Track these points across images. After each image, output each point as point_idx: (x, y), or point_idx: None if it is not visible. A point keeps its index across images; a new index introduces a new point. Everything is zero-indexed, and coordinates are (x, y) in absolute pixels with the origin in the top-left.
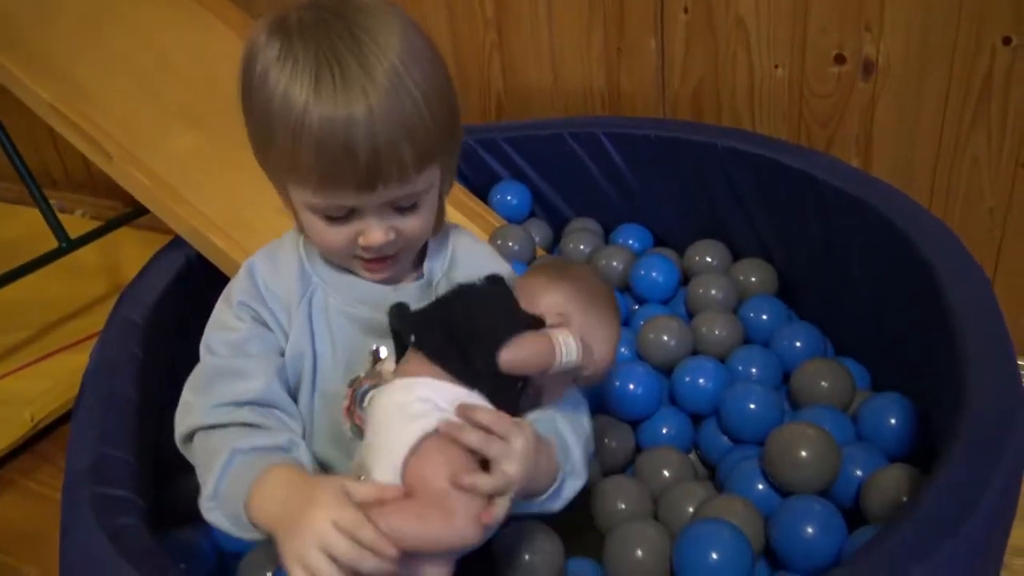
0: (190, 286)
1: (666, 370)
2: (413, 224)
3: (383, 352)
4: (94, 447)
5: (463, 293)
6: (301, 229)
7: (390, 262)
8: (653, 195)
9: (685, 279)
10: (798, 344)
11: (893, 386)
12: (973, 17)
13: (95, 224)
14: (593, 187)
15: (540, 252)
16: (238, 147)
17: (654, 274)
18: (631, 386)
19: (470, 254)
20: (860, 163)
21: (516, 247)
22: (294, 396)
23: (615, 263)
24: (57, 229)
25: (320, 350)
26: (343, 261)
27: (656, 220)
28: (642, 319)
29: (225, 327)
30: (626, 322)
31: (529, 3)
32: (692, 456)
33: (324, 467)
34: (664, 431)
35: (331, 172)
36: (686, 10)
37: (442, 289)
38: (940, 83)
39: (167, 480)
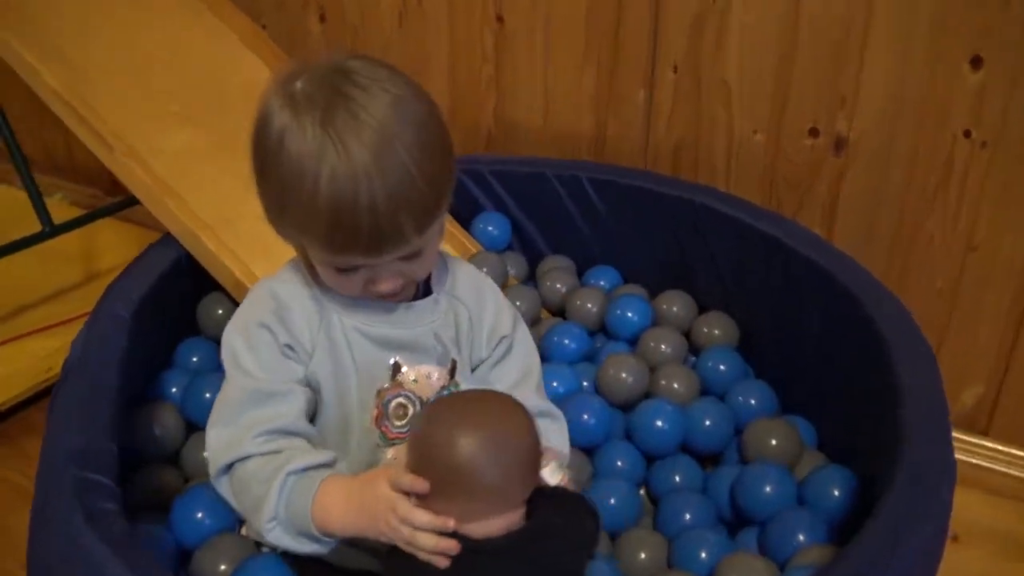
0: (177, 285)
1: (622, 406)
2: (419, 267)
3: (402, 363)
4: (78, 434)
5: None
6: (305, 258)
7: (401, 295)
8: (628, 241)
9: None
10: (752, 401)
11: (837, 445)
12: (938, 109)
13: (73, 209)
14: (571, 226)
15: (513, 281)
16: (231, 148)
17: (629, 314)
18: (585, 416)
19: (467, 275)
20: (824, 229)
21: (490, 275)
22: (317, 415)
23: (589, 305)
24: (42, 213)
25: (344, 368)
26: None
27: (628, 264)
28: (606, 354)
29: (251, 349)
30: (592, 358)
31: (527, 41)
32: (641, 492)
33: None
34: (619, 464)
35: (340, 242)
36: (675, 69)
37: (444, 303)
38: (904, 164)
39: (134, 471)
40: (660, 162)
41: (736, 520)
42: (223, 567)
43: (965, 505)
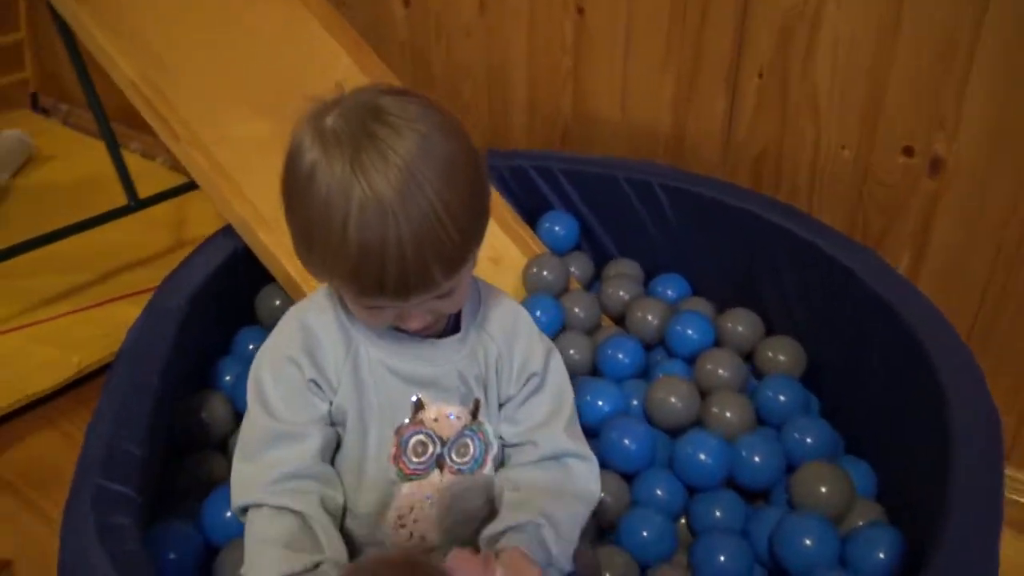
0: (237, 275)
1: (670, 431)
2: (448, 304)
3: (424, 400)
4: (108, 438)
5: None
6: (336, 289)
7: (432, 328)
8: (697, 250)
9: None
10: (808, 439)
11: (895, 497)
12: None
13: (173, 175)
14: (640, 230)
15: (575, 285)
16: None
17: (689, 332)
18: (626, 441)
19: (500, 308)
20: (912, 258)
21: (550, 277)
22: (340, 445)
23: (650, 317)
24: (128, 187)
25: (366, 402)
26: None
27: (697, 274)
28: (661, 372)
29: (276, 385)
30: (646, 373)
31: (609, 34)
32: (682, 521)
33: (365, 517)
34: (658, 493)
35: (366, 286)
36: (760, 75)
37: (472, 340)
38: (1007, 192)
39: (170, 465)
40: (740, 171)
41: (774, 567)
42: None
43: None
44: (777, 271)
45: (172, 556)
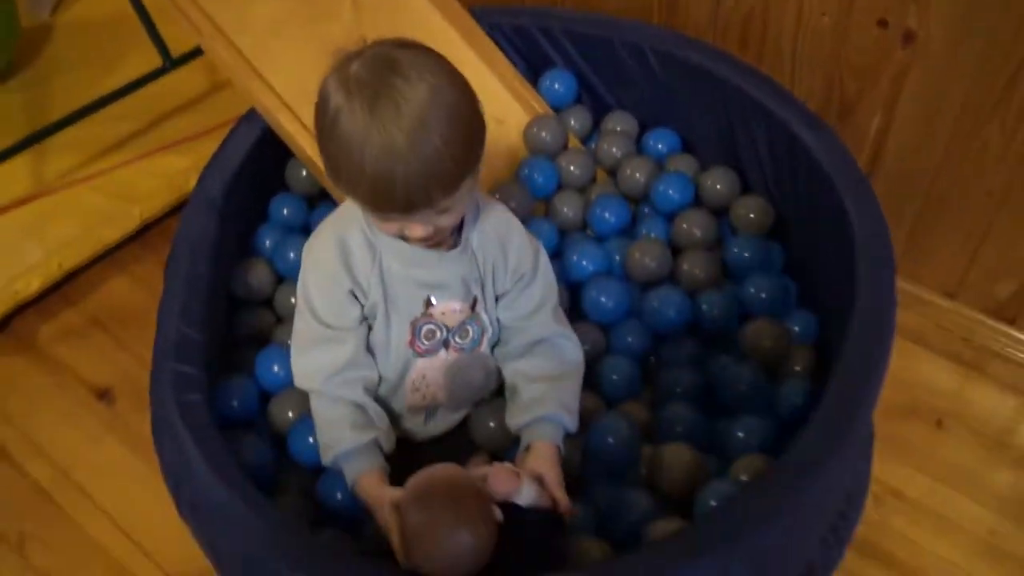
0: (263, 157)
1: (646, 286)
2: (448, 220)
3: (433, 299)
4: (176, 326)
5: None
6: None
7: (434, 239)
8: (686, 109)
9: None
10: (763, 295)
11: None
12: (1019, 7)
13: None
14: (635, 87)
15: (573, 142)
16: (315, 19)
17: (671, 191)
18: (603, 299)
19: (495, 220)
20: (882, 122)
21: (548, 138)
22: (371, 329)
23: (638, 175)
24: (160, 47)
25: (390, 301)
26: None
27: (687, 130)
28: (643, 231)
29: (320, 294)
30: (630, 229)
31: None
32: (652, 359)
33: (389, 382)
34: (629, 340)
35: (380, 205)
36: None
37: (471, 250)
38: (972, 65)
39: (238, 310)
40: (728, 34)
41: (718, 403)
42: (290, 414)
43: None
44: (753, 140)
45: (235, 404)
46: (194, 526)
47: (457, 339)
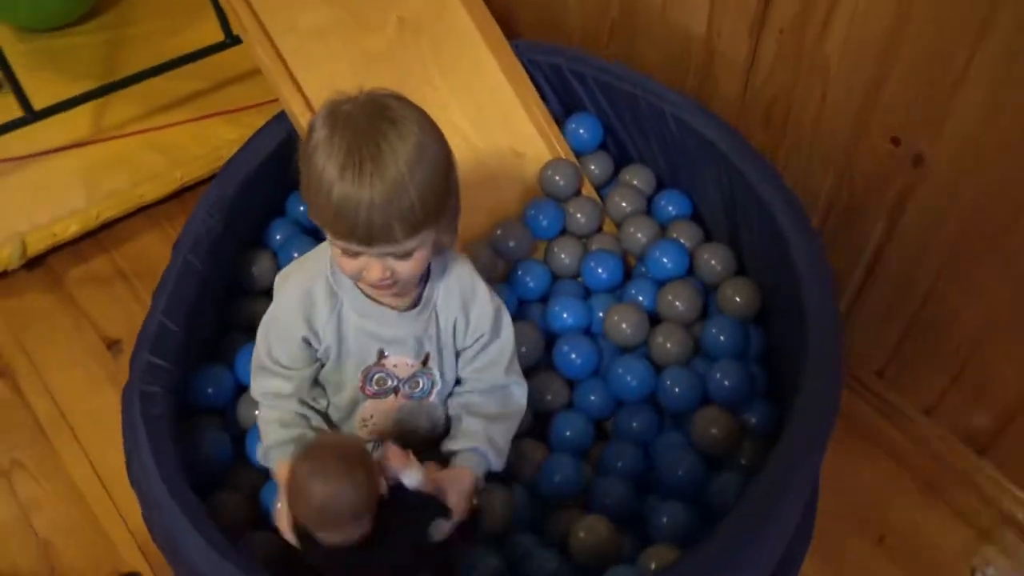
0: (287, 161)
1: (620, 349)
2: (405, 267)
3: (387, 351)
4: (157, 320)
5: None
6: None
7: (392, 288)
8: (698, 175)
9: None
10: (726, 383)
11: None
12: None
13: None
14: (654, 144)
15: (588, 188)
16: (359, 31)
17: (665, 260)
18: (573, 355)
19: (458, 282)
20: (885, 228)
21: (561, 183)
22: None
23: (640, 235)
24: (223, 24)
25: (342, 348)
26: (355, 281)
27: (699, 194)
28: (630, 293)
29: (280, 339)
30: (621, 285)
31: None
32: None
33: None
34: (592, 398)
35: (342, 231)
36: (781, 31)
37: (428, 312)
38: (970, 201)
39: (239, 299)
40: (753, 110)
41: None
42: (256, 412)
43: None
44: (749, 222)
45: (209, 391)
46: (139, 500)
47: (407, 388)
